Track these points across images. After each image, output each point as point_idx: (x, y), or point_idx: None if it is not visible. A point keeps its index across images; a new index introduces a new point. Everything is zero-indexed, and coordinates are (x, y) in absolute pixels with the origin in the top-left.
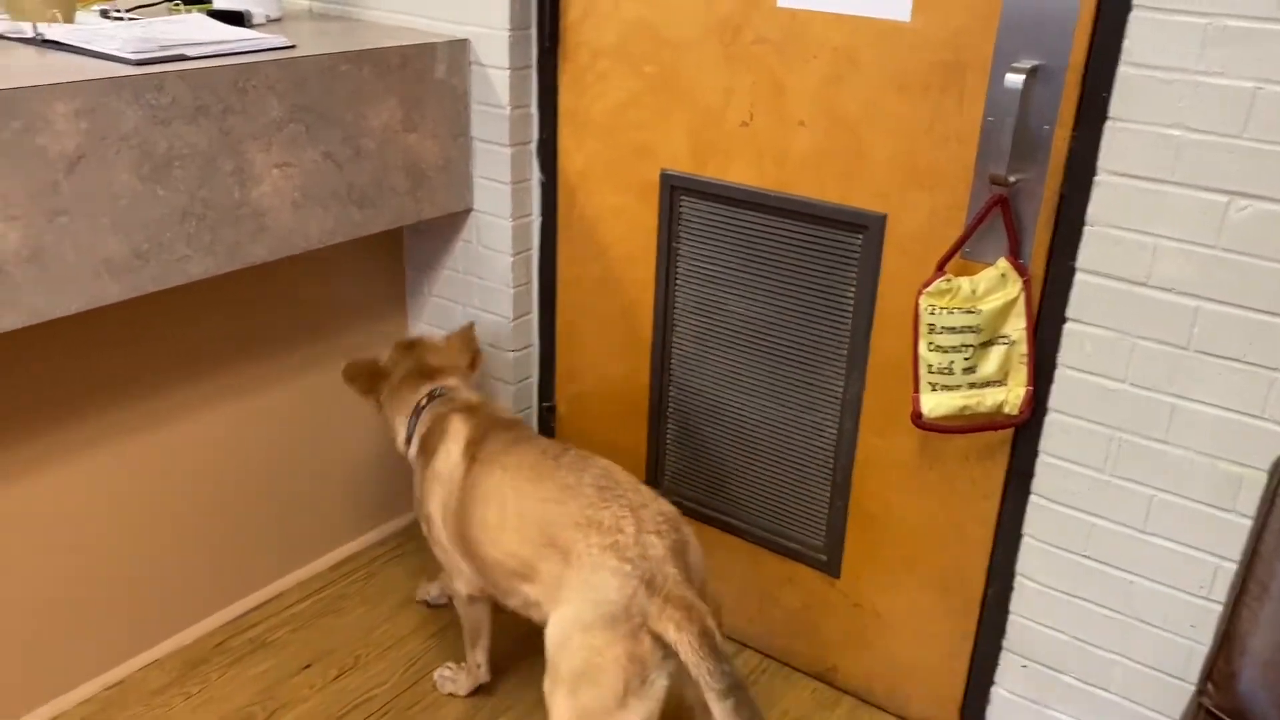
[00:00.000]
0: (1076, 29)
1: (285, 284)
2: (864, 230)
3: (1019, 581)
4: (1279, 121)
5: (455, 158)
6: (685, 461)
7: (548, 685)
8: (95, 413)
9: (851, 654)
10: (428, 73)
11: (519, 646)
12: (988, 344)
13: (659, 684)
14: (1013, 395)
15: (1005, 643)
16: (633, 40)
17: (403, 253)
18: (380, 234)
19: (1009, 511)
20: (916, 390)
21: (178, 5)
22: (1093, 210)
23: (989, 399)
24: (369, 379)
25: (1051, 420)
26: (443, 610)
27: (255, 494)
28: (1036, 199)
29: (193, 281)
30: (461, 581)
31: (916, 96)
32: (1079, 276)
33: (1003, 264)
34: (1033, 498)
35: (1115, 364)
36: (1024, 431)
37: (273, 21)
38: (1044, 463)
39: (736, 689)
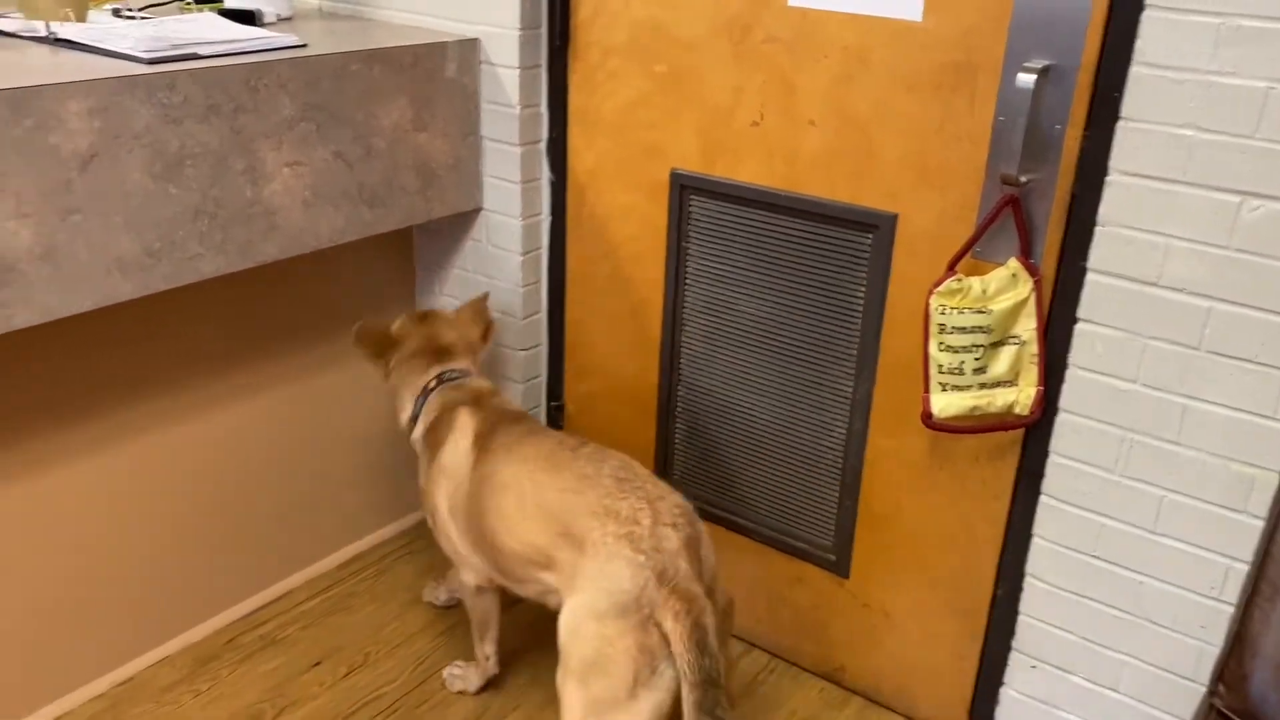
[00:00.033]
0: (1089, 29)
1: (295, 283)
2: (874, 230)
3: (1029, 582)
4: None
5: (465, 157)
6: (694, 460)
7: (560, 675)
8: (106, 411)
9: (860, 654)
10: (438, 72)
11: (527, 644)
12: (998, 344)
13: (669, 675)
14: (1023, 395)
15: (1015, 643)
16: (643, 39)
17: (412, 252)
18: (390, 233)
19: (1019, 512)
20: (927, 390)
21: (189, 4)
22: (1104, 210)
23: (999, 399)
24: (379, 344)
25: (1062, 420)
26: (451, 609)
27: (265, 492)
28: (1048, 199)
29: (204, 280)
30: (469, 572)
31: (927, 96)
32: (1090, 276)
33: (1014, 264)
34: (1043, 498)
35: (1126, 364)
36: (1034, 432)
37: (283, 20)
38: (1054, 463)
39: (708, 685)
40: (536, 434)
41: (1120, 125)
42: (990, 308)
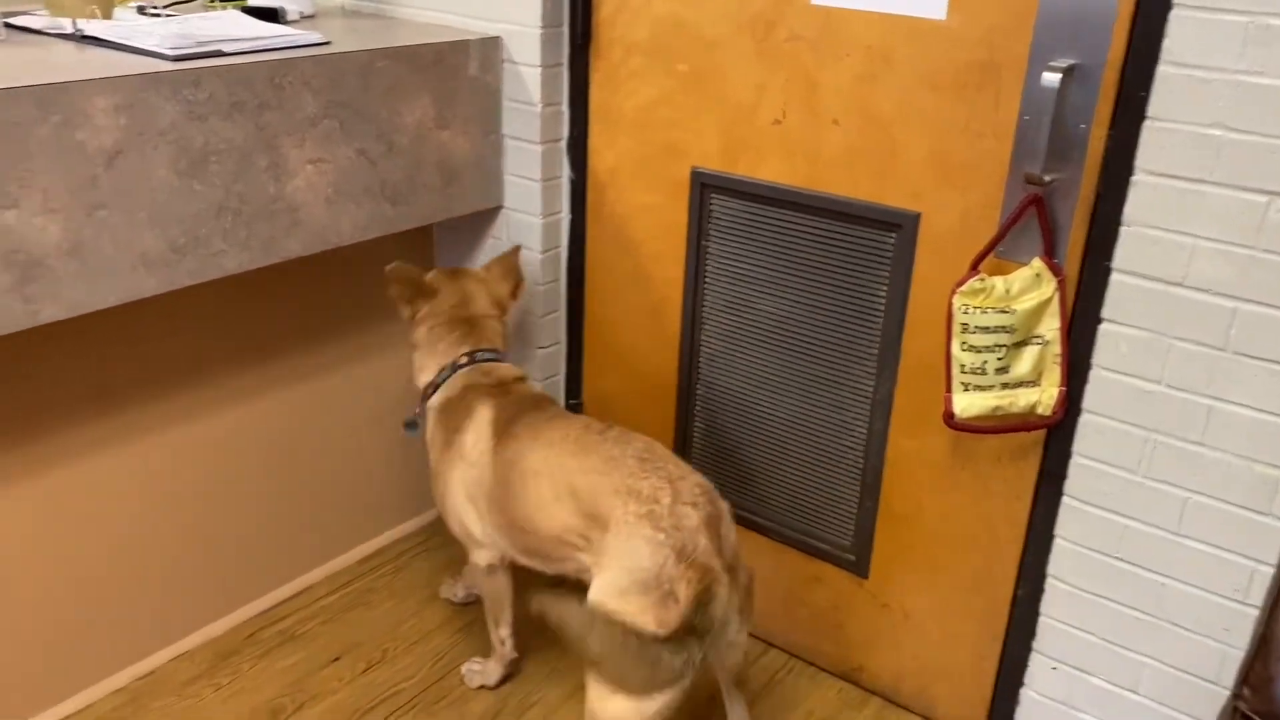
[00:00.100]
0: (1115, 28)
1: (317, 279)
2: (897, 229)
3: (1050, 583)
4: None
5: (486, 155)
6: (713, 459)
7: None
8: (127, 407)
9: (879, 654)
10: (461, 70)
11: (545, 640)
12: (1021, 344)
13: (692, 650)
14: (1046, 396)
15: (1035, 644)
16: (665, 37)
17: (433, 249)
18: (411, 230)
19: (1040, 512)
20: (949, 390)
21: (213, 2)
22: (1129, 210)
23: (1022, 399)
24: (412, 289)
25: (1085, 421)
26: (468, 606)
27: (285, 488)
28: (1072, 198)
29: (228, 276)
30: (479, 553)
31: (951, 95)
32: (1115, 277)
33: (1037, 264)
34: (1065, 499)
35: (1151, 365)
36: (1057, 432)
37: (306, 18)
38: (1077, 464)
39: (686, 632)
40: (562, 418)
41: (1146, 125)
42: (1013, 307)
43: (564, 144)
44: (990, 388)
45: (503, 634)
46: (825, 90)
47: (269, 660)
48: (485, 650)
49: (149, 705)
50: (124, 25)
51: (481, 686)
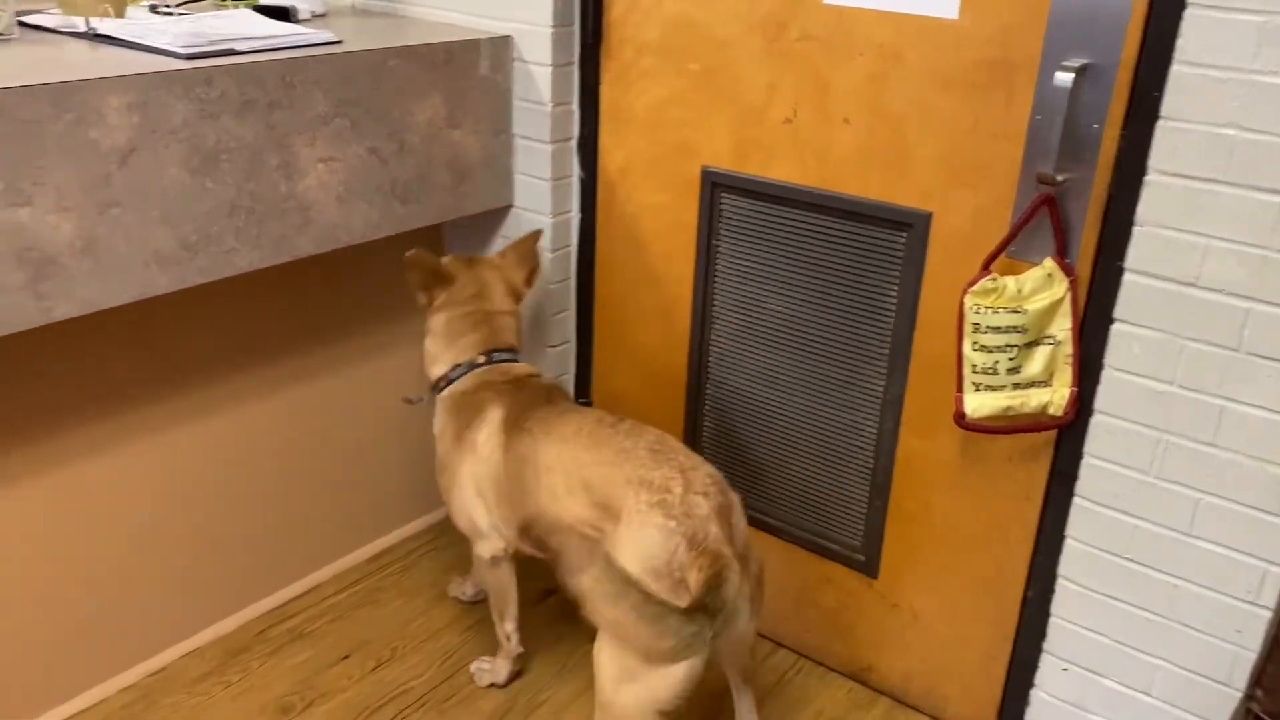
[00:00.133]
0: (1128, 27)
1: (326, 278)
2: (908, 228)
3: (1060, 584)
4: None
5: (497, 154)
6: (722, 459)
7: (596, 645)
8: (138, 405)
9: (888, 654)
10: (471, 69)
11: (553, 638)
12: (1033, 344)
13: (703, 637)
14: (1057, 396)
15: (1046, 645)
16: (676, 37)
17: (443, 248)
18: (421, 229)
19: (1051, 513)
20: (960, 390)
21: (225, 1)
22: (1142, 210)
23: (1033, 400)
24: (431, 277)
25: (1097, 422)
26: (476, 605)
27: (294, 486)
28: (1084, 198)
29: (238, 274)
30: (483, 545)
31: (963, 94)
32: (1127, 277)
33: (1049, 264)
34: (1076, 499)
35: (1163, 365)
36: (1068, 433)
37: (317, 17)
38: (1088, 464)
39: (697, 610)
40: (574, 413)
41: (1160, 124)
42: (1025, 308)
43: (574, 143)
44: (1002, 388)
45: (508, 629)
46: (836, 89)
47: (278, 658)
48: (494, 648)
49: (159, 702)
50: (137, 24)
51: (491, 685)
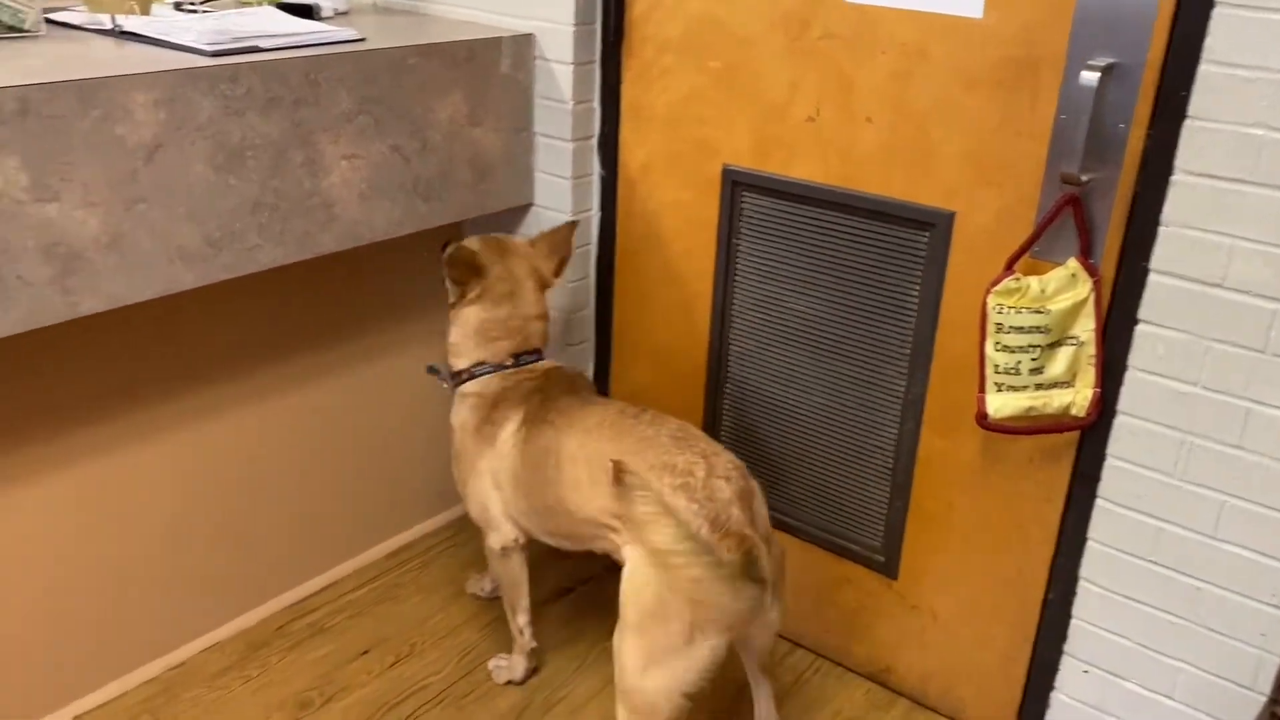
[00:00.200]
0: (1155, 26)
1: (347, 275)
2: (931, 228)
3: (1082, 585)
4: None
5: (518, 152)
6: (741, 457)
7: (617, 632)
8: (162, 400)
9: (907, 655)
10: (493, 67)
11: (571, 636)
12: (1056, 344)
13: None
14: (1080, 397)
15: (1066, 647)
16: (698, 35)
17: None
18: (442, 226)
19: (1073, 515)
20: (982, 390)
21: None
22: (1168, 210)
23: (1056, 400)
24: (468, 273)
25: (1120, 423)
26: (495, 601)
27: (315, 482)
28: (1109, 198)
29: (261, 271)
30: (494, 535)
31: (987, 93)
32: (1152, 277)
33: (1073, 264)
34: (1099, 501)
35: (1188, 367)
36: (1091, 434)
37: (340, 15)
38: (1111, 466)
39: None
40: (597, 404)
41: (1187, 124)
42: (1048, 308)
43: (595, 141)
44: (1024, 388)
45: (520, 623)
46: (859, 88)
47: (298, 652)
48: (510, 645)
49: (180, 695)
50: (162, 21)
51: (508, 682)
